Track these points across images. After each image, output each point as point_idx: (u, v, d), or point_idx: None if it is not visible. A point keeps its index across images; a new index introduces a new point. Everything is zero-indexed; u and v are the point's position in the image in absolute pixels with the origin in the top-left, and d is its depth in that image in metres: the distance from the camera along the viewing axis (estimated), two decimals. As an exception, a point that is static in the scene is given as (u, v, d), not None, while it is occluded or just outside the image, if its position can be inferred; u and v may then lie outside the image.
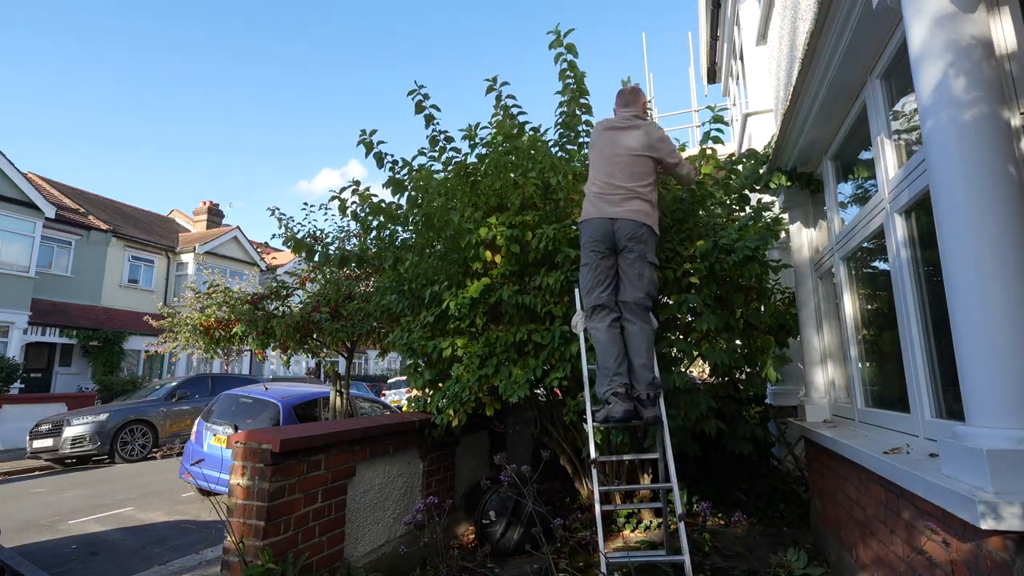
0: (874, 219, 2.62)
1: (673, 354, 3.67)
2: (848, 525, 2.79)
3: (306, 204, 6.61)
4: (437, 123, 4.28)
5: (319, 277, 7.38)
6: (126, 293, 19.14)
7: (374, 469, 3.36)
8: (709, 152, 4.19)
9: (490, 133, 4.19)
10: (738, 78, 8.88)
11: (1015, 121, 1.74)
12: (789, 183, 3.78)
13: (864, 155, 2.97)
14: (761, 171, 3.97)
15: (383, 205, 4.51)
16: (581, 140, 4.34)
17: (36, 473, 9.03)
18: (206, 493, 6.16)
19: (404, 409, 4.59)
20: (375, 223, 4.59)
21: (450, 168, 4.26)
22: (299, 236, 5.68)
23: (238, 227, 23.09)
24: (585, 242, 3.14)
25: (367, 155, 4.32)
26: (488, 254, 3.72)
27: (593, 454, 2.84)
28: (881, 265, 2.85)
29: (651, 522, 4.01)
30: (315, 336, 7.01)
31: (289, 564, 2.62)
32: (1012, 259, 1.49)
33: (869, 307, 3.15)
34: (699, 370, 5.81)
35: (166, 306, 11.49)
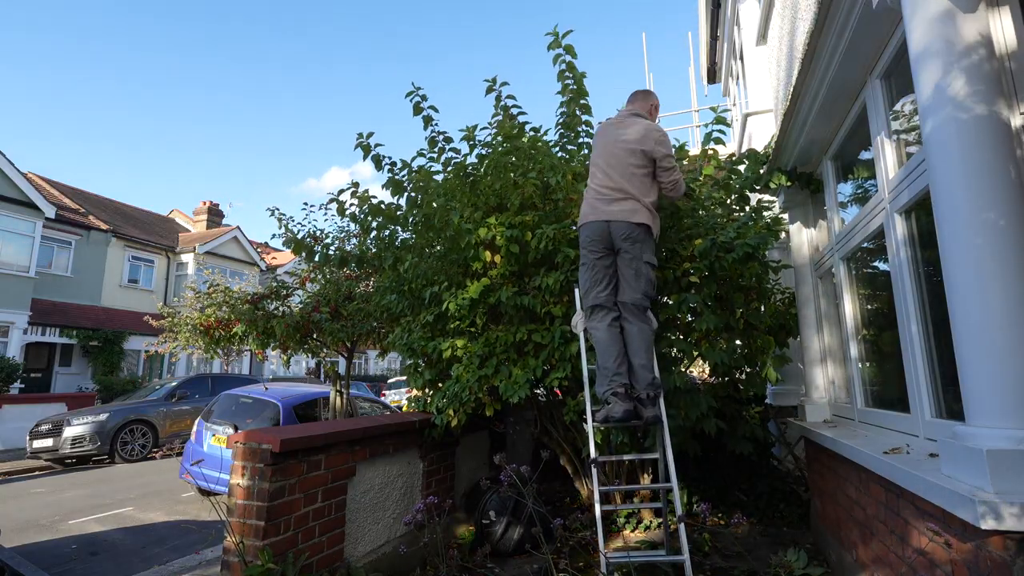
0: (874, 219, 2.62)
1: (673, 354, 3.67)
2: (848, 525, 2.79)
3: (306, 204, 6.61)
4: (436, 124, 4.28)
5: (319, 277, 7.38)
6: (126, 293, 19.15)
7: (374, 469, 3.36)
8: (711, 152, 4.19)
9: (490, 134, 4.19)
10: (738, 78, 8.88)
11: (1015, 121, 1.74)
12: (789, 183, 3.78)
13: (864, 155, 2.97)
14: (761, 171, 3.97)
15: (382, 206, 4.52)
16: (581, 140, 4.34)
17: (36, 473, 9.03)
18: (206, 493, 6.16)
19: (404, 409, 4.59)
20: (375, 224, 4.59)
21: (449, 169, 4.26)
22: (299, 236, 5.68)
23: (238, 227, 23.09)
24: (583, 243, 3.15)
25: (365, 158, 4.32)
26: (488, 254, 3.72)
27: (593, 454, 2.84)
28: (881, 265, 2.85)
29: (651, 522, 4.01)
30: (315, 336, 7.01)
31: (289, 564, 2.62)
32: (1012, 259, 1.49)
33: (869, 307, 3.15)
34: (699, 370, 5.81)
35: (166, 306, 11.50)
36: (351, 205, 4.59)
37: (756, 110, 6.88)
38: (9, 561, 3.42)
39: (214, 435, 6.45)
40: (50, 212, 15.82)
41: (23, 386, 14.43)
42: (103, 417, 9.75)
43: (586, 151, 4.38)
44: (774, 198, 4.30)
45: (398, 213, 4.50)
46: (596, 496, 2.70)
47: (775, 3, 4.66)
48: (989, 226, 1.52)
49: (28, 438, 9.71)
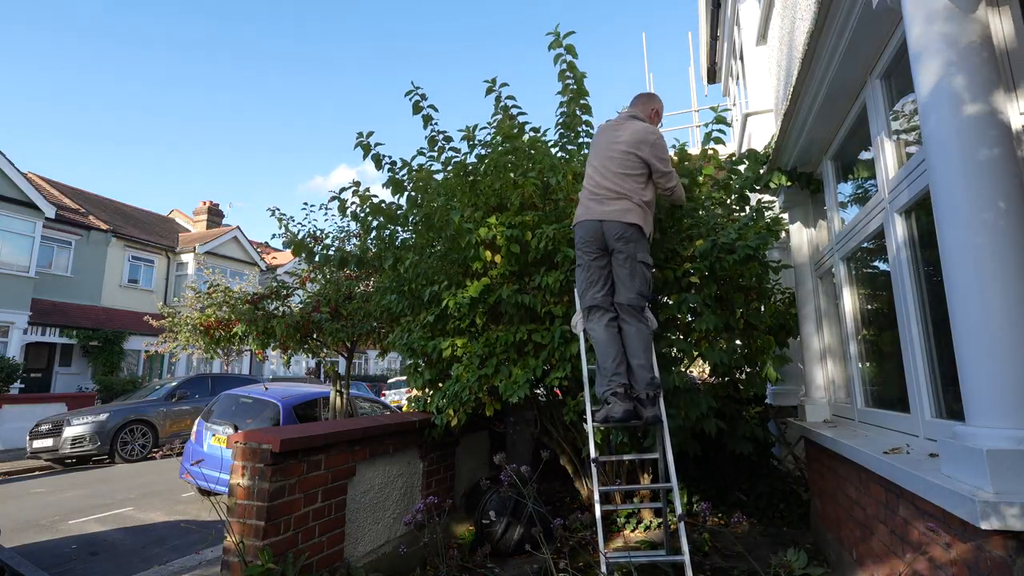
0: (874, 219, 2.62)
1: (673, 354, 3.67)
2: (848, 525, 2.79)
3: (306, 204, 6.61)
4: (435, 123, 4.28)
5: (319, 277, 7.38)
6: (126, 293, 19.15)
7: (374, 469, 3.36)
8: (711, 153, 4.19)
9: (489, 134, 4.20)
10: (738, 78, 8.88)
11: (1015, 121, 1.74)
12: (789, 183, 3.78)
13: (864, 155, 2.97)
14: (761, 171, 3.97)
15: (383, 206, 4.52)
16: (581, 140, 4.34)
17: (36, 473, 9.03)
18: (206, 493, 6.16)
19: (404, 409, 4.59)
20: (375, 223, 4.59)
21: (450, 168, 4.26)
22: (299, 237, 5.68)
23: (238, 227, 23.10)
24: (577, 243, 3.15)
25: (365, 157, 4.33)
26: (488, 254, 3.72)
27: (593, 454, 2.84)
28: (881, 265, 2.85)
29: (651, 522, 4.01)
30: (315, 336, 7.01)
31: (289, 564, 2.62)
32: (1012, 259, 1.49)
33: (869, 307, 3.15)
34: (699, 370, 5.81)
35: (166, 306, 11.50)
36: (352, 204, 4.59)
37: (756, 110, 6.88)
38: (9, 561, 3.42)
39: (214, 435, 6.45)
40: (50, 212, 15.82)
41: (23, 386, 14.43)
42: (103, 417, 9.75)
43: (586, 151, 4.38)
44: (774, 198, 4.30)
45: (398, 213, 4.50)
46: (596, 496, 2.70)
47: (775, 3, 4.66)
48: (989, 226, 1.52)
49: (28, 438, 9.71)
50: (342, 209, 4.63)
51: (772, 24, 4.93)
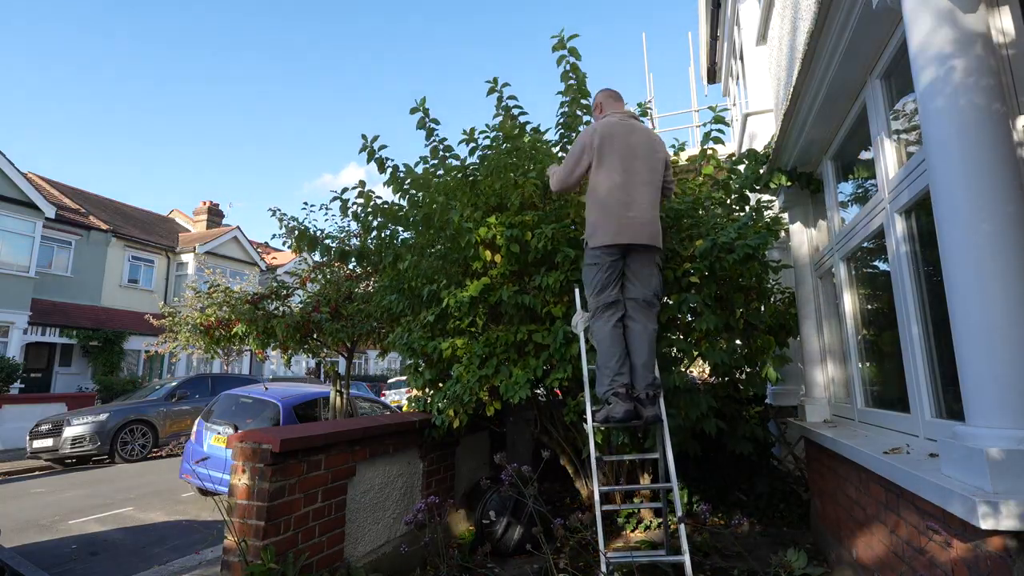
0: (874, 219, 2.62)
1: (673, 354, 3.67)
2: (848, 525, 2.79)
3: (306, 204, 6.61)
4: (437, 134, 4.30)
5: (319, 277, 7.38)
6: (126, 293, 19.15)
7: (374, 469, 3.36)
8: (710, 152, 4.19)
9: (490, 137, 4.21)
10: (738, 78, 8.88)
11: (1015, 121, 1.74)
12: (789, 183, 3.78)
13: (864, 155, 2.97)
14: (761, 171, 3.97)
15: (383, 206, 4.53)
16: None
17: (36, 473, 9.03)
18: (206, 493, 6.16)
19: (404, 409, 4.59)
20: (375, 223, 4.60)
21: (451, 175, 4.28)
22: (301, 227, 5.63)
23: (238, 227, 23.10)
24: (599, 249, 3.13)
25: (368, 161, 4.34)
26: (488, 254, 3.72)
27: (593, 454, 2.84)
28: (881, 265, 2.86)
29: (651, 522, 4.01)
30: (315, 336, 7.01)
31: (289, 564, 2.62)
32: (1012, 259, 1.50)
33: (869, 307, 3.15)
34: (699, 370, 5.81)
35: (166, 306, 11.49)
36: (355, 204, 4.60)
37: (756, 110, 6.88)
38: (9, 561, 3.42)
39: (214, 435, 6.45)
40: (50, 212, 15.82)
41: (23, 386, 14.42)
42: (103, 417, 9.75)
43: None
44: (773, 197, 4.30)
45: (399, 213, 4.51)
46: (596, 496, 2.70)
47: (775, 3, 4.66)
48: (989, 226, 1.53)
49: (28, 438, 9.71)
50: (344, 209, 4.64)
51: (772, 24, 4.93)
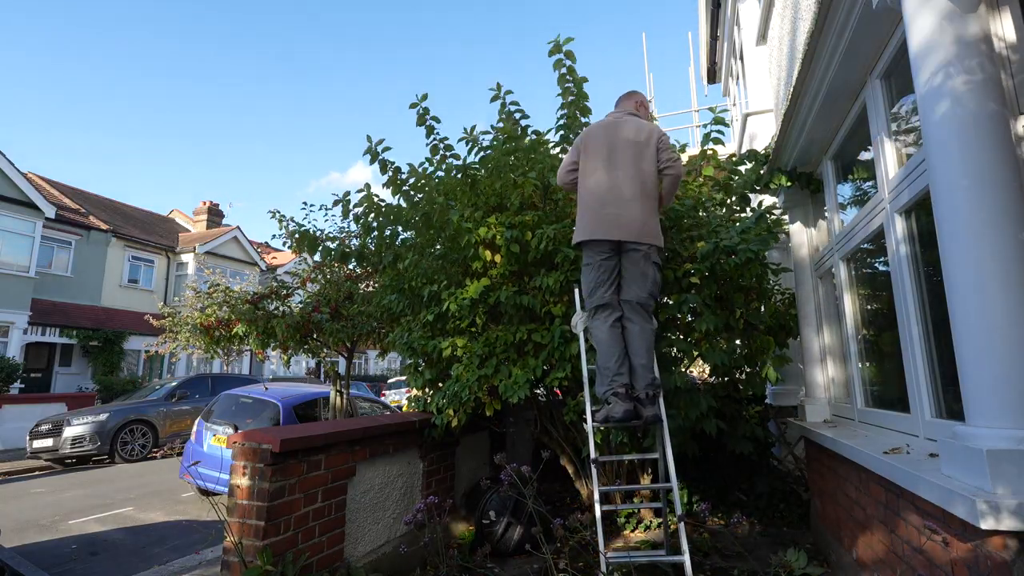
0: (874, 219, 2.62)
1: (673, 354, 3.67)
2: (848, 525, 2.79)
3: (305, 204, 6.61)
4: (437, 133, 4.30)
5: (319, 277, 7.38)
6: (126, 293, 19.15)
7: (374, 469, 3.36)
8: (710, 153, 4.19)
9: (491, 138, 4.21)
10: (738, 78, 8.88)
11: (1015, 121, 1.74)
12: (789, 183, 3.78)
13: (864, 155, 2.97)
14: (761, 171, 3.97)
15: (383, 206, 4.53)
16: (581, 142, 4.35)
17: (36, 473, 9.03)
18: (206, 493, 6.16)
19: (404, 409, 4.59)
20: (375, 224, 4.60)
21: (452, 175, 4.29)
22: (302, 229, 5.65)
23: (238, 227, 23.10)
24: (588, 245, 3.10)
25: (372, 163, 4.35)
26: (488, 254, 3.72)
27: (593, 454, 2.84)
28: (881, 265, 2.85)
29: (651, 522, 4.01)
30: (315, 336, 7.01)
31: (289, 564, 2.62)
32: (1012, 259, 1.50)
33: (869, 307, 3.15)
34: (699, 370, 5.81)
35: (166, 306, 11.49)
36: (356, 207, 4.61)
37: (756, 110, 6.88)
38: (9, 561, 3.42)
39: (214, 435, 6.45)
40: (50, 212, 15.82)
41: (23, 386, 14.42)
42: (103, 417, 9.75)
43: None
44: (775, 198, 4.30)
45: (399, 213, 4.51)
46: (596, 496, 2.70)
47: (775, 3, 4.66)
48: (989, 226, 1.53)
49: (28, 438, 9.71)
50: (346, 212, 4.65)
51: (772, 24, 4.94)
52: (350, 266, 6.04)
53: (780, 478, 4.65)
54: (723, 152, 5.14)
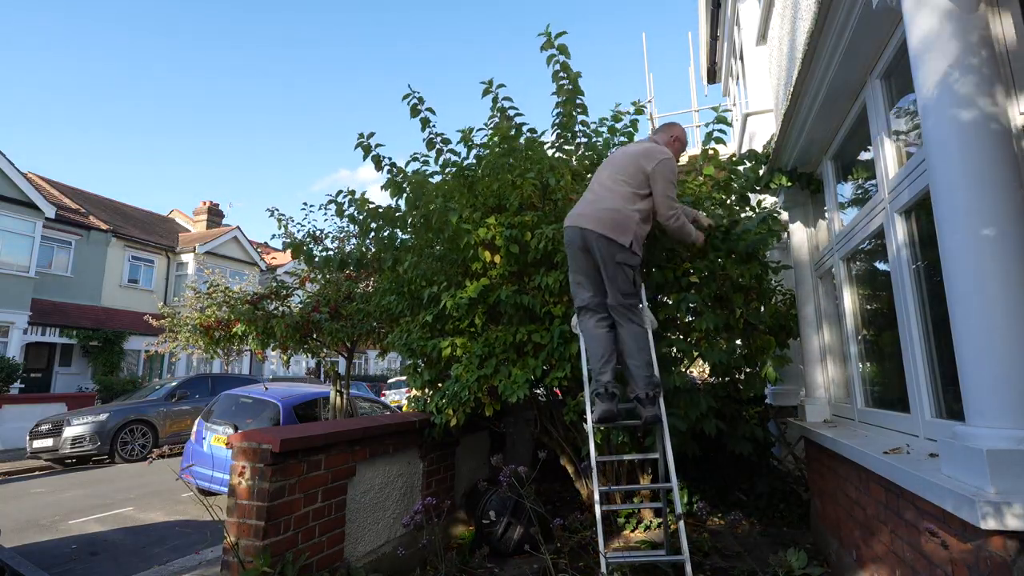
0: (874, 219, 2.62)
1: (673, 354, 3.67)
2: (848, 525, 2.79)
3: (305, 204, 6.62)
4: (433, 126, 4.28)
5: (319, 277, 7.38)
6: (126, 293, 19.15)
7: (374, 469, 3.36)
8: (711, 153, 4.19)
9: (487, 135, 4.20)
10: (738, 78, 8.88)
11: (1015, 121, 1.74)
12: (789, 183, 3.78)
13: (864, 155, 2.97)
14: (761, 171, 3.97)
15: (380, 210, 4.52)
16: (579, 140, 4.34)
17: (36, 473, 9.03)
18: (206, 493, 6.16)
19: (404, 409, 4.59)
20: (373, 225, 4.60)
21: (448, 171, 4.27)
22: (298, 238, 5.68)
23: (238, 227, 23.12)
24: (565, 245, 3.17)
25: (365, 158, 4.33)
26: (487, 254, 3.72)
27: (593, 454, 2.84)
28: (881, 265, 2.85)
29: (651, 522, 4.01)
30: (315, 336, 7.01)
31: (289, 564, 2.62)
32: (1012, 259, 1.49)
33: (869, 307, 3.15)
34: (699, 370, 5.81)
35: (166, 306, 11.49)
36: (350, 207, 4.60)
37: (756, 110, 6.88)
38: (9, 561, 3.42)
39: (214, 435, 6.45)
40: (50, 212, 15.83)
41: (23, 386, 14.43)
42: (103, 417, 9.75)
43: (584, 151, 4.38)
44: (775, 198, 4.30)
45: (397, 215, 4.51)
46: (596, 496, 2.70)
47: (775, 3, 4.66)
48: (989, 226, 1.52)
49: (28, 438, 9.71)
50: (340, 213, 4.64)
51: (772, 24, 4.94)
52: (348, 269, 6.05)
53: (780, 478, 4.65)
54: (723, 152, 5.14)
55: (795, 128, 3.34)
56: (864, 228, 2.77)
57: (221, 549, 2.80)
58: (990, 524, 1.37)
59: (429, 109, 4.21)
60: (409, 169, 4.32)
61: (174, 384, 11.44)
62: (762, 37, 6.27)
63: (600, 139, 4.37)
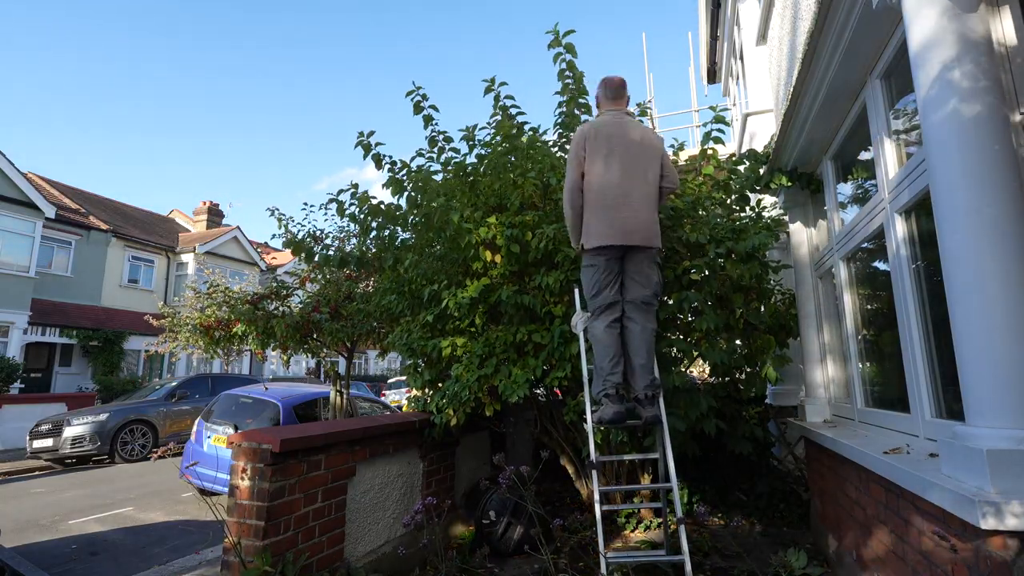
0: (874, 219, 2.62)
1: (673, 354, 3.67)
2: (848, 525, 2.79)
3: (306, 204, 6.62)
4: (435, 123, 4.28)
5: (319, 277, 7.39)
6: (126, 293, 19.15)
7: (374, 469, 3.36)
8: (710, 152, 4.19)
9: (489, 134, 4.20)
10: (738, 78, 8.88)
11: (1015, 120, 1.74)
12: (789, 183, 3.78)
13: (864, 155, 2.97)
14: (761, 171, 3.97)
15: (381, 207, 4.52)
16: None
17: (36, 473, 9.03)
18: (206, 493, 6.16)
19: (404, 409, 4.59)
20: (374, 224, 4.60)
21: (450, 168, 4.27)
22: (299, 237, 5.68)
23: (238, 227, 23.11)
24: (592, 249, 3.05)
25: (365, 156, 4.33)
26: (488, 254, 3.72)
27: (593, 454, 2.84)
28: (881, 265, 2.85)
29: (651, 522, 4.01)
30: (315, 336, 7.02)
31: (289, 564, 2.62)
32: (1012, 259, 1.50)
33: (869, 307, 3.15)
34: (699, 370, 5.81)
35: (166, 306, 11.49)
36: (351, 205, 4.60)
37: (756, 110, 6.88)
38: (9, 561, 3.42)
39: (214, 435, 6.45)
40: (50, 212, 15.82)
41: (23, 386, 14.42)
42: (103, 417, 9.75)
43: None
44: (775, 198, 4.30)
45: (398, 213, 4.51)
46: (596, 496, 2.70)
47: (775, 3, 4.66)
48: (989, 226, 1.53)
49: (28, 438, 9.71)
50: (340, 211, 4.64)
51: (772, 24, 4.94)
52: (349, 268, 6.05)
53: (780, 478, 4.65)
54: (723, 152, 5.14)
55: (795, 128, 3.34)
56: (864, 228, 2.77)
57: (221, 549, 2.80)
58: (990, 524, 1.37)
59: (432, 106, 4.22)
60: (414, 165, 4.32)
61: (174, 384, 11.44)
62: (762, 37, 6.27)
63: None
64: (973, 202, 1.56)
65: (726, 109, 5.97)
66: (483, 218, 3.76)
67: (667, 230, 3.69)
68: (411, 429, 3.71)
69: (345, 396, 7.11)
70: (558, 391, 4.37)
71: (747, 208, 4.29)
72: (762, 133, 6.34)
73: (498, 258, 3.71)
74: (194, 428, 7.00)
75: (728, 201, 4.32)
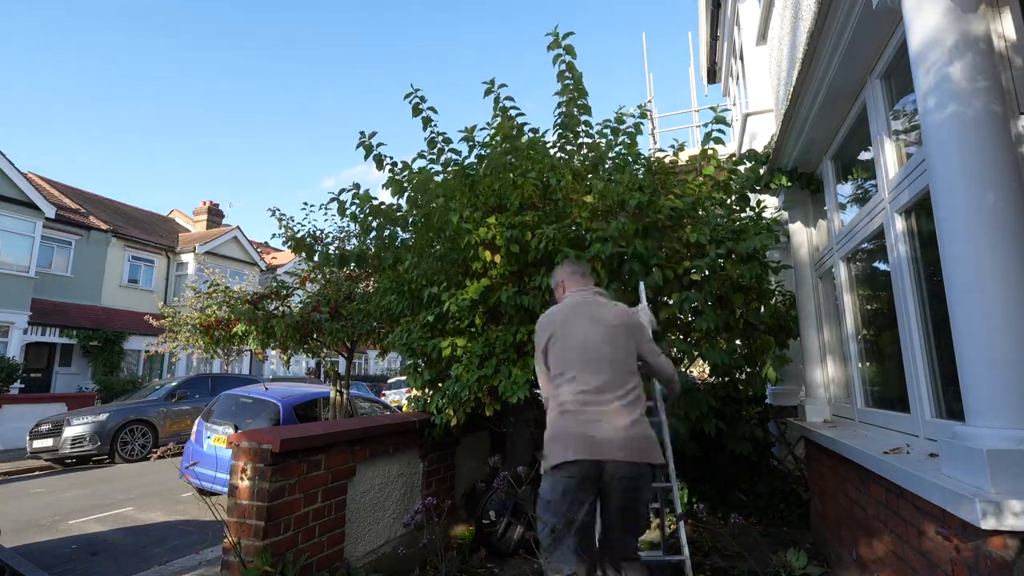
0: (874, 219, 2.62)
1: (673, 354, 3.67)
2: (848, 525, 2.79)
3: (306, 204, 6.62)
4: (435, 125, 4.29)
5: (319, 277, 7.39)
6: (126, 293, 19.15)
7: (374, 469, 3.36)
8: (710, 152, 4.19)
9: (488, 135, 4.20)
10: (738, 78, 8.88)
11: (1015, 121, 1.74)
12: (789, 183, 3.78)
13: (864, 155, 2.97)
14: (761, 171, 3.97)
15: (382, 207, 4.52)
16: (581, 140, 4.35)
17: (36, 473, 9.03)
18: (206, 493, 6.16)
19: (404, 409, 4.59)
20: (375, 224, 4.60)
21: (449, 170, 4.27)
22: (299, 236, 5.69)
23: (238, 227, 23.11)
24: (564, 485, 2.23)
25: (366, 157, 4.34)
26: (487, 254, 3.72)
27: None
28: (881, 265, 2.86)
29: (651, 522, 4.01)
30: (315, 336, 7.02)
31: (289, 564, 2.62)
32: (1012, 259, 1.50)
33: (869, 307, 3.15)
34: (699, 370, 5.81)
35: (166, 306, 11.49)
36: (351, 205, 4.60)
37: (756, 110, 6.88)
38: (9, 561, 3.42)
39: (214, 435, 6.46)
40: (50, 212, 15.82)
41: (23, 386, 14.42)
42: (103, 417, 9.75)
43: (585, 151, 4.38)
44: (775, 198, 4.31)
45: (398, 214, 4.51)
46: (596, 496, 2.69)
47: (775, 3, 4.67)
48: (989, 226, 1.53)
49: (28, 438, 9.71)
50: (341, 211, 4.64)
51: (772, 24, 4.94)
52: (349, 267, 6.06)
53: (780, 478, 4.65)
54: (723, 152, 5.15)
55: (795, 128, 3.34)
56: (864, 228, 2.77)
57: (221, 549, 2.80)
58: (990, 524, 1.37)
59: (431, 108, 4.22)
60: (415, 166, 4.32)
61: (174, 384, 11.44)
62: (762, 37, 6.27)
63: (603, 140, 4.37)
64: (973, 202, 1.56)
65: (726, 109, 5.97)
66: (483, 218, 3.76)
67: (667, 230, 3.69)
68: (411, 429, 3.71)
69: (345, 396, 7.12)
70: (558, 391, 4.36)
71: (747, 208, 4.29)
72: (762, 133, 6.34)
73: (498, 258, 3.71)
74: (194, 428, 7.00)
75: (728, 201, 4.32)
